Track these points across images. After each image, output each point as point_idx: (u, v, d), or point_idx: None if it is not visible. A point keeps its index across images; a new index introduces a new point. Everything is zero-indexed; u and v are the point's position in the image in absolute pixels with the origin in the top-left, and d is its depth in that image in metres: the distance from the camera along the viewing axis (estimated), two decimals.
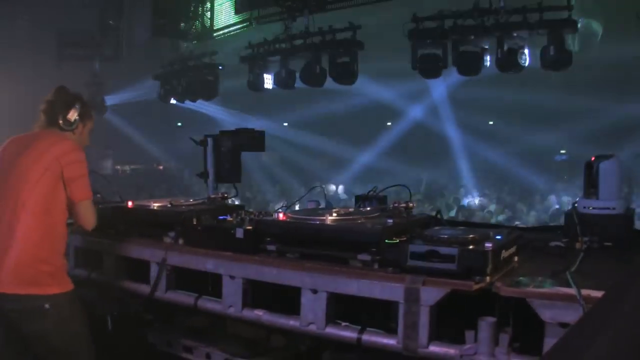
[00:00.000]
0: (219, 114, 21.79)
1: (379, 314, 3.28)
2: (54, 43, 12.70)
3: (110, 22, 12.46)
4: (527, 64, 8.10)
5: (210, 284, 3.99)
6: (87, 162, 3.75)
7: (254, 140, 5.29)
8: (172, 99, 12.53)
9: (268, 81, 10.47)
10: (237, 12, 11.29)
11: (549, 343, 2.76)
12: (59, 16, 12.68)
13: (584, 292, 2.69)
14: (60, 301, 3.52)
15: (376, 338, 3.25)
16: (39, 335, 3.50)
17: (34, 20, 13.21)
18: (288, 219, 3.75)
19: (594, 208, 4.01)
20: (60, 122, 3.81)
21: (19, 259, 3.44)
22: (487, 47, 8.25)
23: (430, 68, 8.61)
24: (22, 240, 3.46)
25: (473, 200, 17.93)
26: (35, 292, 3.43)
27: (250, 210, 4.70)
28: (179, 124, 23.79)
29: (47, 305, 3.44)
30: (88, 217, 3.77)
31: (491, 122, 24.33)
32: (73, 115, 3.85)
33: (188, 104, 12.82)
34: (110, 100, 14.21)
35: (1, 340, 3.57)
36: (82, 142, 3.95)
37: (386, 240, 3.24)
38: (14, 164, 3.62)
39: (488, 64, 8.34)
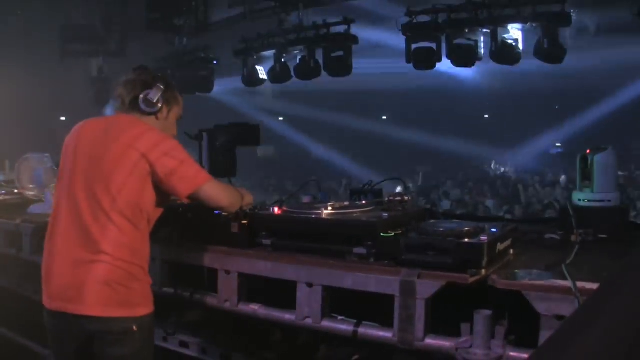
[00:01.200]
0: None
1: (374, 307, 3.28)
2: (47, 38, 12.65)
3: (113, 16, 12.39)
4: (520, 56, 8.10)
5: (206, 279, 3.99)
6: (182, 147, 3.19)
7: (249, 134, 5.28)
8: None
9: (262, 72, 10.47)
10: (230, 6, 11.27)
11: (544, 335, 2.77)
12: (52, 12, 12.64)
13: (580, 284, 2.69)
14: (146, 323, 3.11)
15: (372, 331, 3.26)
16: (118, 358, 3.03)
17: (28, 16, 13.15)
18: (283, 213, 3.75)
19: (589, 201, 4.01)
20: (141, 103, 3.27)
21: (109, 276, 2.96)
22: (482, 39, 8.25)
23: (424, 61, 8.61)
24: (111, 253, 2.97)
25: None
26: (126, 314, 3.00)
27: None
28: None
29: (134, 327, 3.00)
30: (216, 197, 3.26)
31: None
32: (155, 95, 3.27)
33: None
34: None
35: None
36: (168, 129, 3.39)
37: (381, 234, 3.25)
38: (93, 159, 3.11)
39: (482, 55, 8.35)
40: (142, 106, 3.28)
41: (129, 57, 12.80)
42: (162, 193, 3.20)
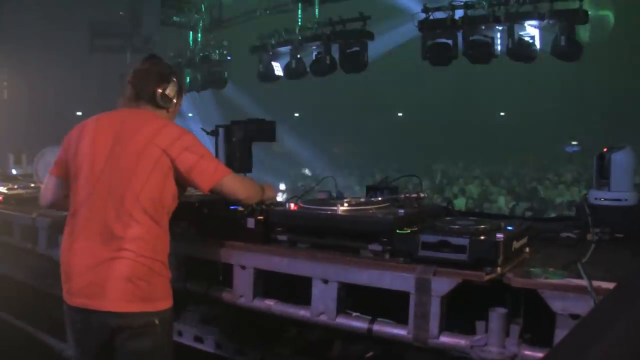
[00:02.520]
0: None
1: (389, 304, 3.28)
2: (66, 34, 12.73)
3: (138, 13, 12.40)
4: (537, 53, 8.07)
5: (221, 274, 4.01)
6: (200, 141, 3.20)
7: (265, 130, 5.29)
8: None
9: (278, 68, 10.47)
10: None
11: (559, 334, 2.76)
12: (72, 7, 12.71)
13: (595, 283, 2.68)
14: (167, 316, 3.11)
15: (387, 328, 3.26)
16: (140, 352, 3.02)
17: (46, 12, 13.23)
18: (299, 209, 3.76)
19: (605, 199, 4.00)
20: (158, 98, 3.26)
21: (131, 272, 2.96)
22: (498, 36, 8.22)
23: (440, 57, 8.59)
24: (133, 250, 2.97)
25: None
26: (148, 309, 3.00)
27: None
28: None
29: (156, 320, 3.02)
30: (237, 190, 3.28)
31: None
32: (172, 90, 3.30)
33: None
34: None
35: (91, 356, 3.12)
36: (173, 119, 3.44)
37: (397, 231, 3.24)
38: (112, 156, 3.09)
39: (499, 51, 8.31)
40: (159, 102, 3.28)
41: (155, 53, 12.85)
42: (181, 187, 3.21)
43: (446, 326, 3.07)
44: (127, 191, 3.01)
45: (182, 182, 3.17)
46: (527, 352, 2.89)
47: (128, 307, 2.94)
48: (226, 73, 11.75)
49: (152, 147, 3.05)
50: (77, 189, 3.15)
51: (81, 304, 2.99)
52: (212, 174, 3.16)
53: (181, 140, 3.11)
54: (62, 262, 3.12)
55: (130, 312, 2.95)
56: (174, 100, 3.36)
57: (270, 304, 3.72)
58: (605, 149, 4.10)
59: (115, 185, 3.03)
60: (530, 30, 8.00)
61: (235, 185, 3.28)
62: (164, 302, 3.10)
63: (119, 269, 2.93)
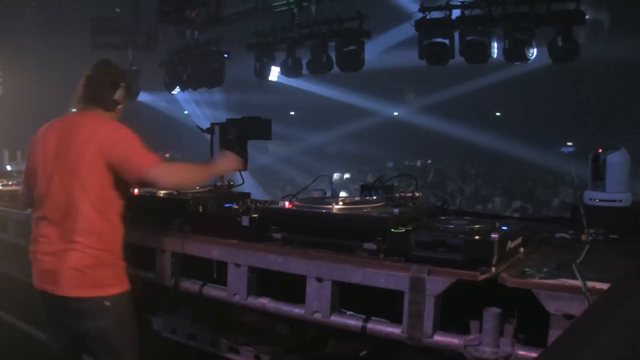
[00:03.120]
0: None
1: (383, 303, 3.28)
2: (59, 30, 12.69)
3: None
4: (534, 54, 8.06)
5: (216, 272, 4.00)
6: (133, 134, 3.35)
7: (261, 128, 5.29)
8: (177, 87, 12.51)
9: (274, 72, 10.46)
10: None
11: (553, 334, 2.77)
12: (71, 4, 12.67)
13: (590, 284, 2.69)
14: (120, 300, 3.34)
15: (381, 327, 3.26)
16: (97, 334, 3.33)
17: (40, 7, 13.18)
18: (294, 208, 3.76)
19: (600, 200, 4.00)
20: (106, 102, 3.50)
21: (80, 262, 3.23)
22: (494, 37, 8.21)
23: (437, 57, 8.58)
24: (83, 241, 3.24)
25: None
26: (98, 294, 3.25)
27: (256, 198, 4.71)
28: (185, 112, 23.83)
29: (107, 303, 3.27)
30: (166, 178, 3.36)
31: None
32: (120, 95, 3.55)
33: None
34: None
35: (59, 339, 3.51)
36: (119, 115, 3.64)
37: (392, 230, 3.24)
38: (61, 155, 3.34)
39: (495, 54, 8.30)
40: (109, 106, 3.53)
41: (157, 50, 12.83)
42: (122, 182, 3.41)
43: (440, 325, 3.07)
44: (74, 189, 3.27)
45: (119, 175, 3.34)
46: (521, 352, 2.90)
47: (79, 293, 3.23)
48: (224, 70, 11.71)
49: (90, 146, 3.28)
50: (37, 189, 3.44)
51: (42, 287, 3.33)
52: (140, 165, 3.28)
53: (114, 136, 3.32)
54: (30, 250, 3.45)
55: (81, 296, 3.23)
56: (120, 104, 3.59)
57: (264, 302, 3.72)
58: (600, 150, 4.10)
59: (65, 183, 3.29)
60: (527, 31, 8.00)
61: (164, 172, 3.35)
62: (115, 288, 3.35)
63: (70, 259, 3.23)
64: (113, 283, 3.34)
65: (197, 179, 3.75)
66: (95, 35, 12.43)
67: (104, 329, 3.30)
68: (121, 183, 3.38)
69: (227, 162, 3.85)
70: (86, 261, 3.24)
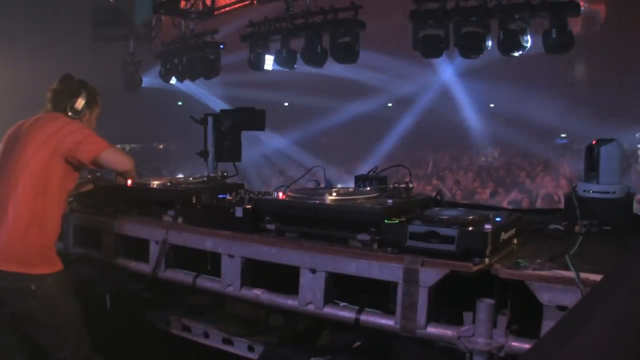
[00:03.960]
0: None
1: (377, 294, 3.28)
2: (49, 21, 12.63)
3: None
4: (529, 46, 8.05)
5: (209, 263, 4.00)
6: (85, 127, 3.83)
7: (255, 119, 5.28)
8: (173, 77, 12.49)
9: (269, 61, 10.44)
10: None
11: (547, 326, 2.77)
12: None
13: (583, 275, 2.69)
14: (48, 282, 3.53)
15: (374, 318, 3.26)
16: (26, 314, 3.54)
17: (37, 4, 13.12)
18: (287, 198, 3.75)
19: (594, 192, 4.00)
20: (69, 112, 3.85)
21: (9, 238, 3.48)
22: (489, 28, 8.19)
23: (431, 49, 8.57)
24: (12, 220, 3.49)
25: None
26: (23, 270, 3.46)
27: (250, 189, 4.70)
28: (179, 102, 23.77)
29: (33, 286, 3.47)
30: (117, 162, 3.85)
31: None
32: (80, 103, 3.89)
33: None
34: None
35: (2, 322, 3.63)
36: (89, 126, 3.97)
37: (385, 221, 3.24)
38: (14, 147, 3.66)
39: (490, 45, 8.29)
40: (71, 114, 3.86)
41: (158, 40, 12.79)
42: (72, 167, 3.75)
43: (434, 316, 3.07)
44: (16, 170, 3.57)
45: (71, 161, 3.68)
46: (514, 343, 2.90)
47: (4, 267, 3.45)
48: (219, 61, 11.69)
49: (42, 132, 3.64)
50: None
51: None
52: (92, 149, 3.67)
53: (67, 127, 3.69)
54: None
55: (6, 270, 3.44)
56: (84, 111, 3.93)
57: (258, 293, 3.72)
58: (594, 142, 4.10)
59: (12, 168, 3.59)
60: (522, 23, 7.99)
61: (115, 157, 3.82)
62: (42, 268, 3.53)
63: (2, 235, 3.48)
64: (39, 263, 3.53)
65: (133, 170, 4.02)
66: (96, 27, 12.38)
67: (32, 309, 3.50)
68: (68, 169, 3.72)
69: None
70: (13, 238, 3.48)
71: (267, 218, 3.71)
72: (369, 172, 4.54)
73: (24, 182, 3.53)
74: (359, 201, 3.58)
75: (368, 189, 3.91)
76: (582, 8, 7.85)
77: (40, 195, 3.58)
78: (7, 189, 3.55)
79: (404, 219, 3.25)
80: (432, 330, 3.05)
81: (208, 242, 3.92)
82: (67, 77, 3.98)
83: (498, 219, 3.22)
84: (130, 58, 12.91)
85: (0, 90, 12.66)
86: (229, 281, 3.82)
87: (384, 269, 3.15)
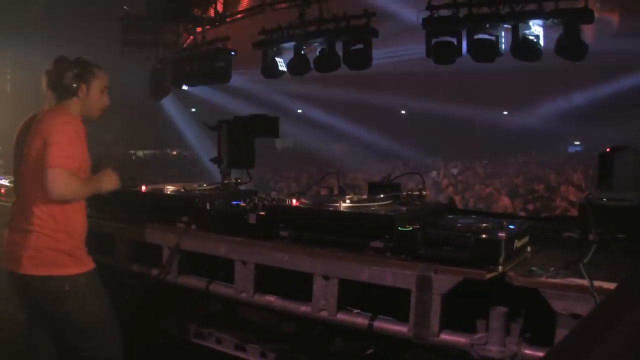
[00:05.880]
0: None
1: (390, 301, 3.28)
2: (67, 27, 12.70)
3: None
4: (542, 52, 8.04)
5: (222, 269, 4.01)
6: (77, 131, 3.45)
7: (268, 126, 5.29)
8: (184, 84, 12.52)
9: (282, 66, 10.45)
10: None
11: (560, 334, 2.76)
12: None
13: (597, 283, 2.68)
14: (80, 281, 3.48)
15: (387, 325, 3.26)
16: (58, 315, 3.48)
17: (48, 4, 13.21)
18: (301, 205, 3.76)
19: (608, 199, 3.99)
20: (62, 92, 3.61)
21: (38, 242, 3.41)
22: (502, 34, 8.19)
23: (444, 55, 8.56)
24: (39, 222, 3.42)
25: None
26: (55, 272, 3.42)
27: (263, 195, 4.71)
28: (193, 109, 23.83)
29: (67, 287, 3.42)
30: (50, 184, 3.30)
31: None
32: (68, 79, 3.59)
33: None
34: None
35: (28, 320, 3.66)
36: (94, 103, 3.72)
37: (399, 228, 3.24)
38: (21, 146, 3.59)
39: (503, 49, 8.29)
40: (61, 92, 3.63)
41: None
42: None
43: (446, 324, 3.07)
44: (29, 175, 3.49)
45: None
46: (527, 351, 2.89)
47: (37, 271, 3.41)
48: (230, 67, 11.70)
49: (38, 137, 3.44)
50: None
51: (8, 267, 3.52)
52: (47, 161, 3.32)
53: (52, 128, 3.43)
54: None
55: (39, 275, 3.41)
56: (75, 85, 3.62)
57: (271, 299, 3.73)
58: (608, 149, 4.09)
59: (23, 172, 3.54)
60: (535, 29, 7.98)
61: (55, 180, 3.32)
62: (73, 268, 3.49)
63: (28, 239, 3.43)
64: (70, 263, 3.48)
65: (82, 196, 3.63)
66: (126, 33, 12.35)
67: (66, 311, 3.45)
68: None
69: (108, 181, 3.76)
70: (43, 241, 3.42)
71: (281, 225, 3.72)
72: (383, 179, 4.54)
73: (41, 192, 3.35)
74: (373, 208, 3.59)
75: (382, 196, 3.91)
76: (595, 15, 7.81)
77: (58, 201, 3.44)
78: (29, 194, 3.48)
79: (418, 226, 3.25)
80: (445, 337, 3.05)
81: (221, 248, 3.93)
82: (57, 59, 3.68)
83: (512, 227, 3.22)
84: (160, 65, 12.85)
85: (29, 99, 12.73)
86: (242, 287, 3.83)
87: (397, 276, 3.15)
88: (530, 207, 12.49)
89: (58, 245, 3.45)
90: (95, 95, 3.71)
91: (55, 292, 3.43)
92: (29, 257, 3.41)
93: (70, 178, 3.39)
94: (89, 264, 3.59)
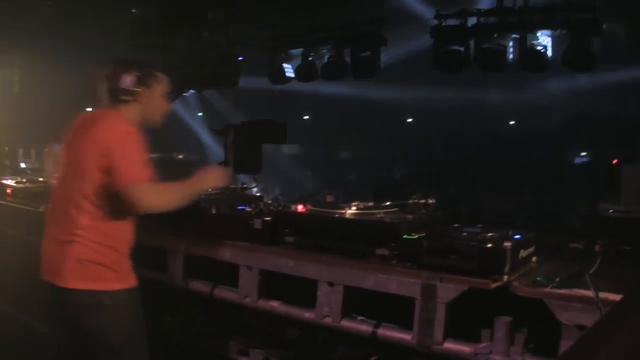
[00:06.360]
0: None
1: (394, 308, 3.28)
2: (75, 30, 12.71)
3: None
4: (549, 63, 8.04)
5: (227, 274, 4.01)
6: (140, 139, 3.20)
7: (276, 131, 5.30)
8: (192, 89, 12.53)
9: (289, 73, 10.45)
10: (258, 2, 11.25)
11: (565, 345, 2.76)
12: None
13: (602, 294, 2.68)
14: (121, 298, 3.25)
15: (391, 333, 3.27)
16: (96, 330, 3.25)
17: (57, 4, 13.21)
18: (307, 211, 3.76)
19: (614, 211, 3.98)
20: (121, 96, 3.32)
21: (81, 254, 3.18)
22: (510, 45, 8.19)
23: (451, 64, 8.56)
24: (84, 234, 3.19)
25: None
26: (97, 287, 3.19)
27: (269, 201, 4.72)
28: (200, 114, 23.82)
29: (107, 301, 3.19)
30: (137, 201, 3.12)
31: None
32: (128, 80, 3.32)
33: None
34: None
35: (69, 338, 3.42)
36: (155, 109, 3.49)
37: (405, 236, 3.24)
38: (71, 149, 3.32)
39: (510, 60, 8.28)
40: (121, 96, 3.34)
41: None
42: None
43: (450, 333, 3.07)
44: (79, 183, 3.21)
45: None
46: None
47: (78, 284, 3.16)
48: (238, 72, 11.71)
49: (96, 144, 3.17)
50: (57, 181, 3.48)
51: (47, 278, 3.29)
52: (126, 177, 3.11)
53: (120, 140, 3.17)
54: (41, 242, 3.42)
55: (80, 288, 3.16)
56: (137, 90, 3.35)
57: (275, 305, 3.73)
58: (615, 161, 4.08)
59: (72, 177, 3.26)
60: (543, 40, 7.97)
61: (145, 195, 3.15)
62: (116, 283, 3.25)
63: (72, 250, 3.18)
64: (113, 278, 3.26)
65: (180, 201, 3.44)
66: (135, 37, 12.33)
67: (104, 328, 3.24)
68: None
69: (210, 178, 3.58)
70: (86, 254, 3.20)
71: (286, 230, 3.73)
72: (389, 186, 4.54)
73: (91, 195, 3.16)
74: (378, 216, 3.59)
75: (387, 203, 3.91)
76: (603, 26, 7.80)
77: (109, 207, 3.20)
78: (75, 202, 3.21)
79: (423, 234, 3.25)
80: (449, 346, 3.05)
81: (226, 253, 3.93)
82: (115, 60, 3.47)
83: (517, 237, 3.21)
84: (169, 69, 12.79)
85: (37, 100, 12.79)
86: (246, 292, 3.84)
87: (402, 284, 3.15)
88: None
89: (102, 259, 3.23)
90: (157, 100, 3.49)
91: (95, 307, 3.20)
92: (70, 268, 3.18)
93: (159, 188, 3.27)
94: (131, 281, 3.34)
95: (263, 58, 10.66)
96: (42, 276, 3.35)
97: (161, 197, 3.29)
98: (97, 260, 3.22)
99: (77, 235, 3.19)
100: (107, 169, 3.13)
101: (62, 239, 3.23)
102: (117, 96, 3.35)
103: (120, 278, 3.29)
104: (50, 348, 5.14)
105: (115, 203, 3.23)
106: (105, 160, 3.14)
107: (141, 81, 3.39)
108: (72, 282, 3.19)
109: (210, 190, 3.80)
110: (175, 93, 12.70)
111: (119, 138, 3.20)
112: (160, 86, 3.50)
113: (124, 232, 3.38)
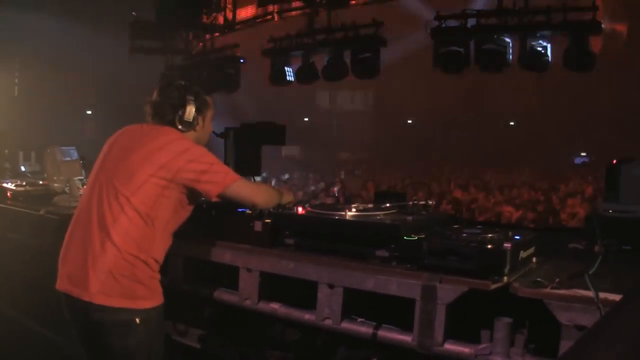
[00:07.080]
0: None
1: (394, 310, 3.28)
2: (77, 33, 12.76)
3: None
4: (549, 63, 8.05)
5: (227, 276, 4.01)
6: (209, 153, 3.26)
7: (275, 133, 5.30)
8: None
9: (289, 75, 10.48)
10: (259, 4, 11.28)
11: (565, 345, 2.75)
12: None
13: (602, 295, 2.67)
14: (151, 316, 3.10)
15: (391, 334, 3.26)
16: (122, 349, 3.04)
17: (64, 8, 13.24)
18: (307, 213, 3.76)
19: (614, 211, 3.98)
20: (179, 125, 3.32)
21: (114, 266, 3.00)
22: (510, 45, 8.20)
23: (451, 65, 8.57)
24: (118, 245, 3.01)
25: None
26: (129, 305, 3.02)
27: None
28: None
29: (137, 320, 3.02)
30: (246, 195, 3.32)
31: None
32: (190, 113, 3.35)
33: None
34: None
35: (86, 351, 3.21)
36: (205, 135, 3.54)
37: (405, 237, 3.24)
38: (122, 156, 3.20)
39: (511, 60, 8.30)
40: (180, 127, 3.34)
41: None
42: (188, 199, 3.27)
43: (451, 334, 3.06)
44: (124, 189, 3.08)
45: (191, 193, 3.22)
46: None
47: (108, 301, 2.97)
48: (239, 75, 11.74)
49: (155, 158, 3.13)
50: (88, 183, 3.31)
51: (65, 288, 3.09)
52: (220, 181, 3.19)
53: (187, 154, 3.16)
54: (62, 248, 3.22)
55: (109, 306, 2.97)
56: (196, 121, 3.40)
57: (275, 307, 3.73)
58: (615, 161, 4.08)
59: (115, 181, 3.12)
60: (543, 40, 7.99)
61: (246, 190, 3.32)
62: (148, 302, 3.10)
63: (104, 261, 2.99)
64: (145, 295, 3.09)
65: (275, 201, 3.64)
66: (134, 39, 12.33)
67: (130, 346, 3.03)
68: (183, 201, 3.26)
69: (289, 195, 3.82)
70: (120, 267, 3.01)
71: (286, 232, 3.72)
72: (389, 188, 4.54)
73: (134, 209, 3.07)
74: (378, 217, 3.59)
75: (387, 205, 3.91)
76: (603, 27, 7.81)
77: (149, 223, 3.11)
78: (112, 212, 3.07)
79: (423, 235, 3.25)
80: (450, 347, 3.05)
81: (226, 256, 3.93)
82: (166, 85, 3.43)
83: (517, 237, 3.20)
84: (169, 71, 12.78)
85: (36, 103, 12.82)
86: (246, 294, 3.83)
87: (402, 286, 3.14)
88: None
89: (135, 273, 3.05)
90: (208, 125, 3.55)
91: (123, 326, 3.02)
92: (101, 282, 2.97)
93: (256, 183, 3.45)
94: (160, 297, 3.20)
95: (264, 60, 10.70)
96: (59, 286, 3.14)
97: (264, 191, 3.48)
98: (130, 276, 3.03)
99: (113, 243, 3.02)
100: (188, 182, 3.15)
101: (95, 246, 3.03)
102: (175, 124, 3.34)
103: (152, 296, 3.15)
104: (51, 350, 5.16)
105: (161, 216, 3.18)
106: (184, 176, 3.13)
107: (199, 110, 3.41)
108: (101, 297, 2.98)
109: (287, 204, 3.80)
110: None
111: (190, 152, 3.19)
112: (210, 112, 3.53)
113: (162, 247, 3.27)
